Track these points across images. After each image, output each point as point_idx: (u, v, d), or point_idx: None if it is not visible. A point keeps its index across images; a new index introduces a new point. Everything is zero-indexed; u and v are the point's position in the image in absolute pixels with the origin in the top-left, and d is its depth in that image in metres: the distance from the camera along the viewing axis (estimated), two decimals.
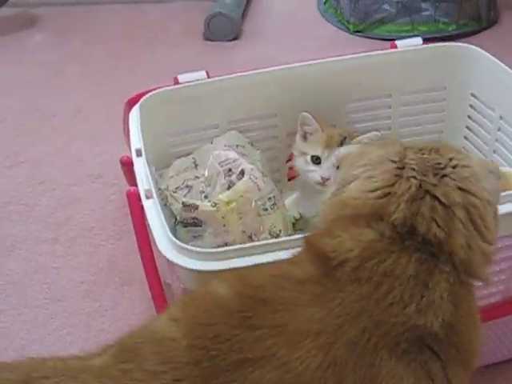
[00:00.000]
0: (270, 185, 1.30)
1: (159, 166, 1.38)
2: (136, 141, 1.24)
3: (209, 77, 1.40)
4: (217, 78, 1.39)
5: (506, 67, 1.36)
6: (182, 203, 1.25)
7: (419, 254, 0.77)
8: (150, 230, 1.06)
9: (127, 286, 1.53)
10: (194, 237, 1.27)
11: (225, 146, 1.34)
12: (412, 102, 1.51)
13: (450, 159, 0.84)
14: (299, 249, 0.86)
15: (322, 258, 0.79)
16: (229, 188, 1.28)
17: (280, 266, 0.84)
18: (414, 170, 0.82)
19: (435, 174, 0.81)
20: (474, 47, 1.44)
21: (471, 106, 1.48)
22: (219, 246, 1.25)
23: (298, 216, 1.45)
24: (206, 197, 1.28)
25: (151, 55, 2.40)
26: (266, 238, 1.29)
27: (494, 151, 1.43)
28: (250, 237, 1.28)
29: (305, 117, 1.38)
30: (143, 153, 1.21)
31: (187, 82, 1.39)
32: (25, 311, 1.49)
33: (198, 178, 1.31)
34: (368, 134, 1.37)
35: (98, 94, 2.18)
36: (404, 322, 0.74)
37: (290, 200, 1.49)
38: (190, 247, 1.01)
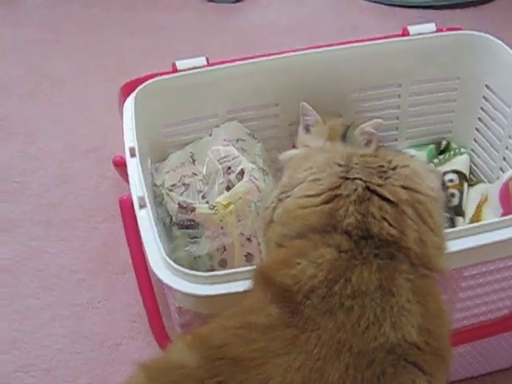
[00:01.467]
0: (271, 185, 1.23)
1: (156, 158, 1.32)
2: (129, 138, 1.18)
3: (208, 63, 1.33)
4: (216, 67, 1.32)
5: None
6: (179, 204, 1.20)
7: (378, 261, 0.75)
8: (143, 247, 1.01)
9: (121, 275, 1.48)
10: (191, 238, 1.21)
11: (224, 140, 1.28)
12: (423, 92, 1.44)
13: (389, 161, 0.82)
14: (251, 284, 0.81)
15: (284, 294, 0.74)
16: (228, 188, 1.22)
17: (239, 316, 0.76)
18: (358, 172, 0.80)
19: (380, 177, 0.80)
20: (490, 37, 1.36)
21: (484, 97, 1.41)
22: (217, 250, 1.21)
23: None
24: (203, 197, 1.22)
25: (152, 15, 2.30)
26: None
27: (507, 147, 1.37)
28: (249, 238, 1.23)
29: (304, 107, 1.32)
30: (137, 152, 1.14)
31: (186, 69, 1.31)
32: (16, 300, 1.44)
33: (195, 175, 1.25)
34: (371, 122, 1.32)
35: (97, 56, 2.10)
36: (383, 343, 0.71)
37: None
38: (186, 270, 0.95)
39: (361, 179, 0.79)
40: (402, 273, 0.75)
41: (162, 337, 1.04)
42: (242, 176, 1.22)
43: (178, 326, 1.03)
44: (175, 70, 1.32)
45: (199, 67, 1.32)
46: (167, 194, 1.22)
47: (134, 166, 1.12)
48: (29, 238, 1.56)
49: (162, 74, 1.33)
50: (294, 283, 0.74)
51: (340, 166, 0.81)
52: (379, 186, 0.78)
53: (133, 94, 1.27)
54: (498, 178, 1.41)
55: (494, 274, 1.02)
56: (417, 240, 0.77)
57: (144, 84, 1.28)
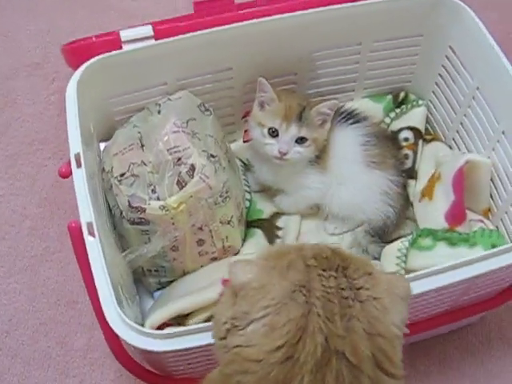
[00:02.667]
0: (223, 177, 1.21)
1: (103, 135, 1.28)
2: (74, 141, 1.12)
3: (155, 32, 1.23)
4: (164, 40, 1.22)
5: (491, 39, 1.22)
6: (128, 203, 1.18)
7: None
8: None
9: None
10: (142, 232, 1.21)
11: (174, 124, 1.22)
12: (384, 48, 1.37)
13: (358, 288, 0.76)
14: None
15: None
16: (178, 183, 1.19)
17: None
18: (319, 315, 0.74)
19: (342, 317, 0.74)
20: (457, 1, 1.27)
21: (447, 57, 1.35)
22: (169, 246, 1.21)
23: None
24: (153, 191, 1.20)
25: None
26: (216, 227, 1.25)
27: (465, 115, 1.34)
28: (200, 228, 1.23)
29: (261, 82, 1.25)
30: (83, 162, 1.10)
31: (130, 40, 1.22)
32: None
33: (144, 164, 1.21)
34: (327, 103, 1.26)
35: None
36: None
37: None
38: (138, 327, 0.97)
39: (321, 329, 0.73)
40: None
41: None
42: (193, 172, 1.18)
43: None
44: (118, 40, 1.22)
45: (146, 38, 1.22)
46: (116, 184, 1.19)
47: (80, 179, 1.08)
48: None
49: (104, 42, 1.23)
50: None
51: (297, 302, 0.74)
52: (341, 337, 0.73)
53: (75, 76, 1.19)
54: (453, 139, 1.40)
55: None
56: None
57: (86, 64, 1.20)
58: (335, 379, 0.72)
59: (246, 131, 1.40)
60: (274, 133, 1.25)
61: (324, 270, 0.77)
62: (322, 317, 0.73)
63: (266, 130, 1.26)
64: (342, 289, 0.76)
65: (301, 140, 1.25)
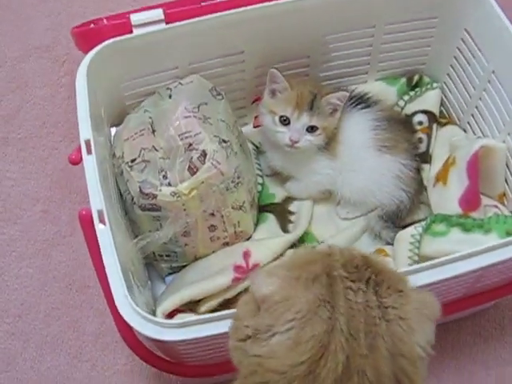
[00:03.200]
0: (235, 162, 1.20)
1: (114, 120, 1.28)
2: (84, 127, 1.11)
3: (165, 15, 1.21)
4: (174, 24, 1.21)
5: (507, 22, 1.20)
6: (139, 189, 1.17)
7: None
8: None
9: (85, 205, 1.47)
10: (154, 217, 1.20)
11: (185, 109, 1.21)
12: (398, 30, 1.34)
13: (386, 307, 0.74)
14: None
15: None
16: (189, 169, 1.18)
17: None
18: (343, 331, 0.72)
19: (367, 334, 0.72)
20: None
21: (462, 39, 1.32)
22: (180, 232, 1.21)
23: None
24: (164, 176, 1.19)
25: None
26: (228, 212, 1.24)
27: (480, 98, 1.32)
28: (212, 213, 1.23)
29: (273, 74, 1.24)
30: (93, 148, 1.09)
31: (141, 24, 1.21)
32: None
33: (155, 150, 1.20)
34: (336, 94, 1.25)
35: None
36: None
37: None
38: (148, 316, 0.96)
39: (343, 348, 0.71)
40: None
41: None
42: (205, 158, 1.18)
43: None
44: (129, 24, 1.21)
45: (156, 21, 1.21)
46: (127, 170, 1.19)
47: (90, 166, 1.08)
48: None
49: (114, 25, 1.22)
50: None
51: (322, 319, 0.72)
52: (363, 357, 0.72)
53: (85, 62, 1.18)
54: (468, 123, 1.39)
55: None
56: None
57: (96, 49, 1.18)
58: None
59: (256, 117, 1.39)
60: (285, 121, 1.25)
61: (353, 282, 0.75)
62: (346, 334, 0.72)
63: (277, 118, 1.25)
64: (370, 306, 0.74)
65: (311, 129, 1.24)
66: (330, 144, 1.28)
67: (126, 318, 0.97)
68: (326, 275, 0.75)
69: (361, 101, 1.31)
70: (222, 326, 0.95)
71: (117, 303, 0.97)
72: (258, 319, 0.75)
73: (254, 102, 1.39)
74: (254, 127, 1.41)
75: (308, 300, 0.73)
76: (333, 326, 0.72)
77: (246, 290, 1.22)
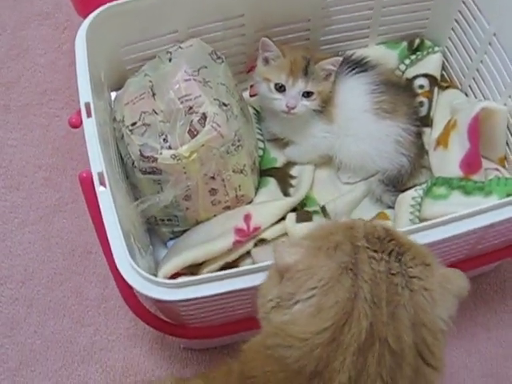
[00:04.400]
0: (235, 125, 1.20)
1: (114, 84, 1.27)
2: (84, 90, 1.11)
3: None
4: None
5: None
6: (140, 152, 1.17)
7: None
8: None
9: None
10: (154, 181, 1.21)
11: (185, 72, 1.21)
12: None
13: (412, 277, 0.75)
14: None
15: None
16: (190, 132, 1.18)
17: None
18: (366, 299, 0.73)
19: (388, 303, 0.73)
20: None
21: (463, 1, 1.32)
22: (181, 195, 1.21)
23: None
24: (165, 140, 1.19)
25: None
26: (229, 176, 1.24)
27: (482, 61, 1.31)
28: (213, 177, 1.23)
29: (264, 42, 1.25)
30: (93, 111, 1.09)
31: None
32: None
33: (156, 113, 1.20)
34: (330, 60, 1.26)
35: None
36: None
37: None
38: (150, 277, 0.97)
39: (366, 315, 0.72)
40: None
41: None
42: (205, 121, 1.17)
43: None
44: None
45: None
46: (127, 134, 1.19)
47: (90, 129, 1.08)
48: None
49: None
50: None
51: (345, 287, 0.73)
52: (385, 324, 0.72)
53: (84, 25, 1.18)
54: (469, 87, 1.38)
55: None
56: None
57: (95, 13, 1.18)
58: (377, 362, 0.72)
59: (251, 86, 1.39)
60: (280, 88, 1.25)
61: (375, 252, 0.75)
62: (369, 301, 0.72)
63: (272, 85, 1.26)
64: (393, 274, 0.74)
65: (307, 94, 1.25)
66: (326, 108, 1.29)
67: (126, 277, 0.97)
68: (350, 243, 0.76)
69: (358, 65, 1.31)
70: (222, 286, 0.96)
71: (117, 262, 0.97)
72: (280, 288, 0.76)
73: (249, 71, 1.39)
74: (251, 96, 1.41)
75: (330, 268, 0.74)
76: (356, 294, 0.73)
77: (248, 252, 1.23)
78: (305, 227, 1.20)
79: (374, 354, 0.72)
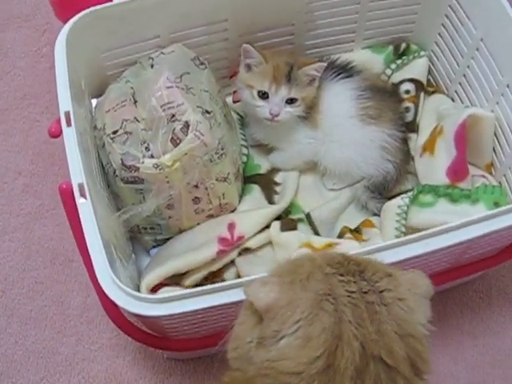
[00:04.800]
0: (218, 133, 1.18)
1: (95, 91, 1.25)
2: (64, 99, 1.09)
3: None
4: None
5: None
6: (121, 161, 1.15)
7: None
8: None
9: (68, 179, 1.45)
10: (136, 190, 1.19)
11: (167, 79, 1.18)
12: None
13: (381, 291, 0.74)
14: None
15: None
16: (172, 140, 1.16)
17: None
18: (351, 322, 0.72)
19: (372, 321, 0.72)
20: None
21: (450, 6, 1.30)
22: (164, 204, 1.19)
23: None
24: (147, 148, 1.16)
25: None
26: (212, 185, 1.22)
27: (468, 67, 1.30)
28: (196, 186, 1.21)
29: (246, 49, 1.23)
30: (72, 120, 1.07)
31: None
32: None
33: (137, 121, 1.17)
34: (313, 65, 1.24)
35: None
36: None
37: None
38: (131, 291, 0.95)
39: (355, 336, 0.71)
40: None
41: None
42: (188, 129, 1.15)
43: None
44: None
45: None
46: (109, 143, 1.17)
47: (70, 139, 1.06)
48: None
49: None
50: None
51: (327, 312, 0.72)
52: (375, 341, 0.71)
53: (64, 31, 1.16)
54: (456, 92, 1.37)
55: None
56: None
57: (76, 18, 1.16)
58: (374, 383, 0.71)
59: (235, 91, 1.37)
60: (263, 95, 1.23)
61: (342, 275, 0.75)
62: (354, 323, 0.72)
63: (255, 93, 1.24)
64: (365, 292, 0.74)
65: (291, 101, 1.23)
66: (310, 114, 1.27)
67: (107, 292, 0.95)
68: (320, 272, 0.75)
69: (343, 71, 1.29)
70: (205, 301, 0.94)
71: (99, 278, 0.95)
72: (263, 328, 0.74)
73: (231, 76, 1.37)
74: (234, 102, 1.39)
75: (309, 298, 0.73)
76: (340, 318, 0.72)
77: (232, 261, 1.21)
78: (290, 236, 1.19)
79: (370, 375, 0.71)
